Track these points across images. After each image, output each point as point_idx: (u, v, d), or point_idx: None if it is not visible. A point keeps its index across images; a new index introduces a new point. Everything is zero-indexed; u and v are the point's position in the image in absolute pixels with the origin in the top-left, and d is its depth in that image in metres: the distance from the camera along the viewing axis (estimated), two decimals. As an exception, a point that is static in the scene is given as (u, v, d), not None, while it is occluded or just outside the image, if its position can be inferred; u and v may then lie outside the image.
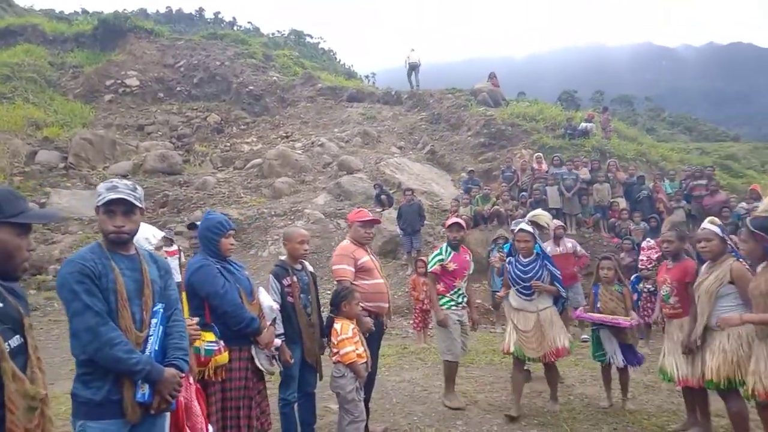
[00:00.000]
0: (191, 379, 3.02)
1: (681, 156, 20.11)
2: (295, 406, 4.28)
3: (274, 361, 3.74)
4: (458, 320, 5.44)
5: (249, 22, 62.29)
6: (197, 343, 3.19)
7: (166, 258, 3.23)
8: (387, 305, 4.71)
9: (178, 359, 2.54)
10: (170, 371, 2.46)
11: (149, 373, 2.37)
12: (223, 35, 29.09)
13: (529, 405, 5.44)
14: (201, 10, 55.92)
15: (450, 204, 13.30)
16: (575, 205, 12.41)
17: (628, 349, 5.25)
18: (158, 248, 3.29)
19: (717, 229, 4.09)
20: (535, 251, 5.08)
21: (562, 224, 9.60)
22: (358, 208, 5.36)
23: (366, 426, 4.37)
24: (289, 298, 4.14)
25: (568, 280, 8.65)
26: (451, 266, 5.40)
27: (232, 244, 3.67)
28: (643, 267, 8.19)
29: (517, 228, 5.25)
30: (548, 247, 8.39)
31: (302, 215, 14.07)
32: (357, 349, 4.02)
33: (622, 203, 12.32)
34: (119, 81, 22.64)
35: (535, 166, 13.76)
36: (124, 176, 15.52)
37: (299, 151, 18.34)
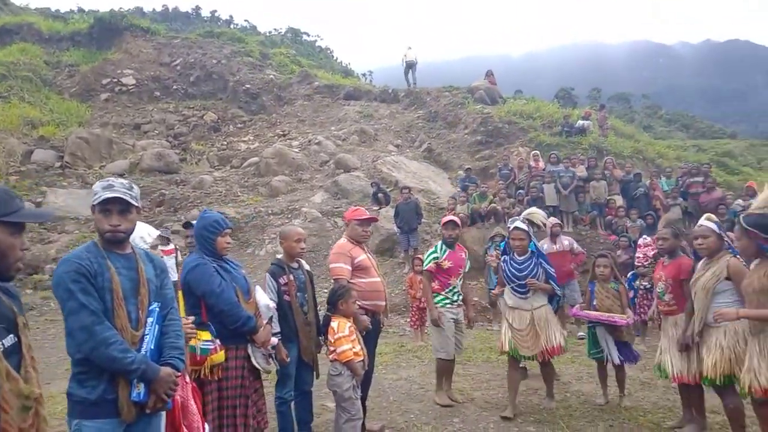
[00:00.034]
0: (187, 378, 3.01)
1: (678, 153, 20.15)
2: (292, 404, 4.29)
3: (270, 359, 3.74)
4: (453, 318, 5.44)
5: (246, 21, 62.11)
6: (193, 342, 3.19)
7: (162, 257, 3.23)
8: (384, 303, 4.71)
9: (173, 358, 2.54)
10: (166, 370, 2.45)
11: (144, 373, 2.37)
12: (220, 33, 29.02)
13: (526, 402, 5.46)
14: (197, 8, 55.70)
15: (447, 202, 13.30)
16: (572, 202, 12.43)
17: (624, 346, 5.26)
18: (154, 247, 3.29)
19: (714, 226, 4.11)
20: (530, 249, 5.08)
21: (559, 222, 9.63)
22: (355, 206, 5.36)
23: (363, 424, 4.37)
24: (286, 297, 4.14)
25: (565, 278, 8.70)
26: (446, 264, 5.41)
27: (228, 243, 3.66)
28: (640, 264, 8.21)
29: (512, 226, 5.26)
30: (545, 244, 8.42)
31: (299, 214, 14.06)
32: (354, 347, 4.02)
33: (619, 200, 12.33)
34: (115, 80, 22.57)
35: (532, 163, 13.77)
36: (121, 175, 15.48)
37: (296, 150, 18.32)
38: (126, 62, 23.52)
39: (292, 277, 4.22)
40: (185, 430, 2.86)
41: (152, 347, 2.47)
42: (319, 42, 47.96)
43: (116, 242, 2.51)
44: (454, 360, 5.69)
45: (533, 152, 14.60)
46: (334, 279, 4.52)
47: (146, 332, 2.48)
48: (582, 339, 7.47)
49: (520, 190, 12.84)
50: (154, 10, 49.17)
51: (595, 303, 5.37)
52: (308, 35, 48.40)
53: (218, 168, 18.42)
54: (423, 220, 12.48)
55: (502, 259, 5.30)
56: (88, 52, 24.57)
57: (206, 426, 3.06)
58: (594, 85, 61.24)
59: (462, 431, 4.77)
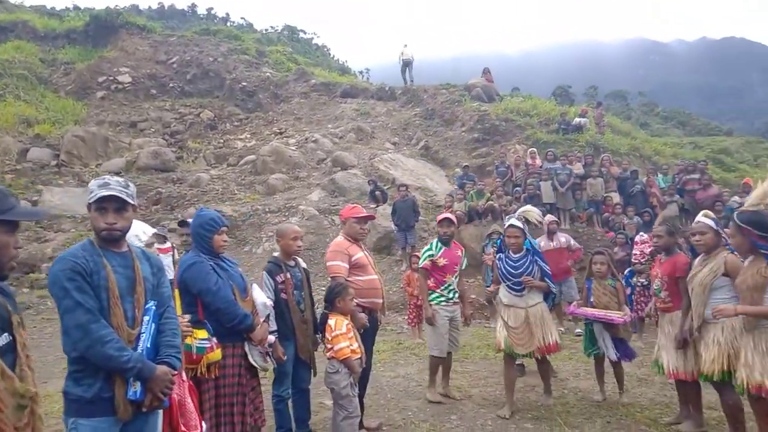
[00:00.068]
0: (184, 376, 3.01)
1: (674, 150, 20.19)
2: (290, 402, 4.29)
3: (267, 357, 3.74)
4: (449, 316, 5.44)
5: (242, 18, 62.01)
6: (188, 341, 3.18)
7: (158, 255, 3.22)
8: (381, 301, 4.72)
9: (170, 357, 2.53)
10: (162, 369, 2.44)
11: (140, 371, 2.36)
12: (216, 31, 28.97)
13: (523, 399, 5.47)
14: (194, 6, 55.65)
15: (444, 199, 13.30)
16: (569, 200, 12.45)
17: (621, 343, 5.27)
18: (149, 245, 3.27)
19: (711, 223, 4.12)
20: (525, 247, 5.08)
21: (556, 219, 9.64)
22: (352, 204, 5.35)
23: (361, 421, 4.38)
24: (283, 295, 4.14)
25: (562, 275, 8.68)
26: (441, 262, 5.40)
27: (225, 241, 3.65)
28: (636, 261, 8.23)
29: (507, 224, 5.25)
30: (542, 242, 8.43)
31: (296, 212, 14.05)
32: (351, 344, 4.02)
33: (616, 198, 12.35)
34: (111, 78, 22.51)
35: (529, 161, 13.78)
36: (117, 173, 15.42)
37: (293, 148, 18.29)
38: (122, 60, 23.45)
39: (289, 275, 4.21)
40: (183, 428, 2.86)
41: (148, 345, 2.46)
42: (316, 40, 47.95)
43: (112, 240, 2.50)
44: (451, 357, 5.70)
45: (530, 150, 14.62)
46: (331, 277, 4.52)
47: (142, 330, 2.47)
48: (579, 336, 7.48)
49: (517, 188, 12.84)
50: (150, 7, 49.08)
51: (592, 300, 5.37)
52: (305, 33, 48.36)
53: (215, 166, 18.39)
54: (420, 217, 12.48)
55: (498, 256, 5.30)
56: (84, 50, 24.49)
57: (203, 424, 3.06)
58: (591, 82, 61.28)
59: (459, 428, 4.77)
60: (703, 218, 4.19)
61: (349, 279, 4.39)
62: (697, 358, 4.25)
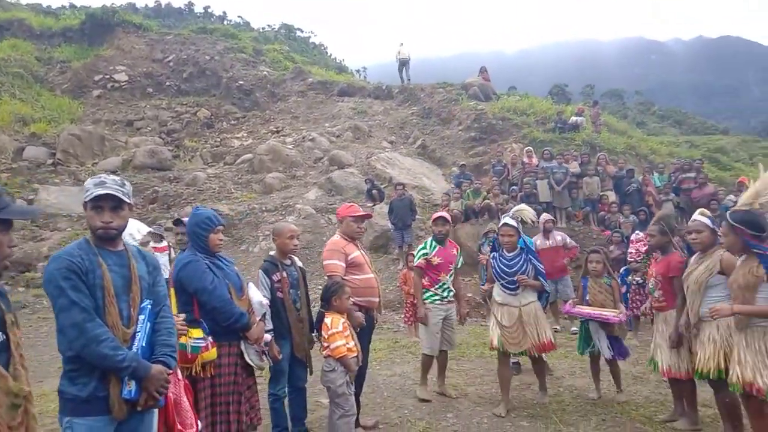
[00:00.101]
0: (180, 375, 3.01)
1: (670, 149, 20.24)
2: (286, 401, 4.30)
3: (263, 356, 3.74)
4: (443, 315, 5.44)
5: (239, 17, 61.88)
6: (183, 340, 3.18)
7: (153, 253, 3.22)
8: (378, 300, 4.72)
9: (165, 356, 2.53)
10: (157, 368, 2.44)
11: (135, 370, 2.36)
12: (213, 30, 28.90)
13: (519, 397, 5.49)
14: (190, 4, 55.39)
15: (441, 198, 13.31)
16: (565, 198, 12.48)
17: (615, 341, 5.29)
18: (144, 244, 3.27)
19: (707, 221, 4.14)
20: (519, 246, 5.08)
21: (552, 218, 9.65)
22: (349, 203, 5.36)
23: (357, 420, 4.39)
24: (279, 294, 4.14)
25: (559, 273, 8.74)
26: (436, 260, 5.41)
27: (221, 240, 3.65)
28: (632, 260, 8.25)
29: (501, 223, 5.26)
30: (538, 240, 8.45)
31: (293, 210, 14.04)
32: (347, 343, 4.03)
33: (612, 196, 12.39)
34: (108, 76, 22.45)
35: (526, 160, 13.80)
36: (113, 172, 15.39)
37: (290, 146, 18.28)
38: (118, 58, 23.39)
39: (285, 274, 4.22)
40: (179, 426, 2.87)
41: (144, 345, 2.46)
42: (313, 38, 47.85)
43: (108, 239, 2.50)
44: (447, 355, 5.71)
45: (526, 148, 14.64)
46: (327, 276, 4.52)
47: (138, 330, 2.47)
48: (575, 334, 7.50)
49: (514, 187, 12.87)
50: (146, 6, 48.86)
51: (587, 298, 5.40)
52: (302, 31, 48.28)
53: (211, 165, 18.36)
54: (417, 216, 12.49)
55: (492, 255, 5.30)
56: (80, 49, 24.42)
57: (198, 423, 3.06)
58: (587, 81, 61.44)
59: (455, 426, 4.79)
60: (700, 217, 4.22)
61: (345, 278, 4.39)
62: (691, 357, 4.27)
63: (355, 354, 4.09)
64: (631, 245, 8.56)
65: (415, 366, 6.72)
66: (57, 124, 18.67)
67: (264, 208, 14.39)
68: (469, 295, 10.15)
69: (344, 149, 17.77)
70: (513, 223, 5.10)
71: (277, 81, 23.64)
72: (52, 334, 2.54)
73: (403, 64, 22.83)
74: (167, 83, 22.99)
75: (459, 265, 5.64)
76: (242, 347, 3.58)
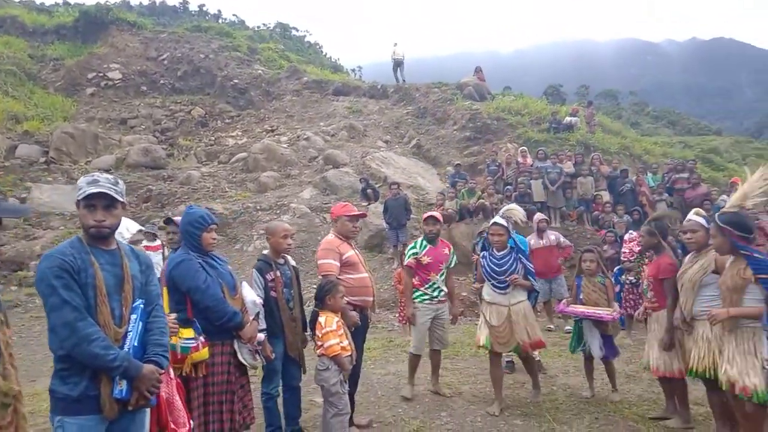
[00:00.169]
0: (172, 374, 3.00)
1: (664, 150, 20.34)
2: (279, 400, 4.29)
3: (257, 355, 3.73)
4: (432, 315, 5.44)
5: (234, 15, 61.51)
6: (173, 340, 3.15)
7: (145, 252, 3.20)
8: (372, 299, 4.72)
9: (157, 355, 2.52)
10: (149, 367, 2.44)
11: (127, 370, 2.35)
12: (208, 28, 28.80)
13: (513, 396, 5.50)
14: (185, 2, 55.11)
15: (436, 198, 13.33)
16: (559, 198, 12.52)
17: (607, 340, 5.31)
18: (134, 242, 3.25)
19: (702, 221, 4.16)
20: (509, 245, 5.08)
21: (545, 217, 9.68)
22: (343, 202, 5.35)
23: (351, 419, 4.39)
24: (272, 293, 4.14)
25: (553, 273, 8.78)
26: (425, 260, 5.40)
27: (214, 239, 3.64)
28: (626, 259, 8.30)
29: (491, 222, 5.26)
30: (531, 240, 8.47)
31: (288, 209, 14.02)
32: (341, 342, 4.03)
33: (606, 196, 12.44)
34: (101, 74, 22.33)
35: (520, 159, 13.84)
36: (107, 170, 15.33)
37: (285, 145, 18.24)
38: (112, 56, 23.27)
39: (278, 273, 4.21)
40: (172, 425, 2.86)
41: (135, 344, 2.45)
42: (308, 37, 47.77)
43: (101, 238, 2.49)
44: (440, 354, 5.70)
45: (521, 148, 14.67)
46: (322, 275, 4.52)
47: (129, 329, 2.46)
48: (569, 333, 7.52)
49: (508, 186, 12.89)
50: (140, 3, 48.62)
51: (581, 297, 5.41)
52: (297, 30, 48.21)
53: (206, 163, 18.30)
54: (412, 215, 12.49)
55: (482, 254, 5.31)
56: (74, 46, 24.28)
57: (190, 421, 3.05)
58: (582, 82, 61.56)
59: (449, 425, 4.79)
60: (695, 217, 4.25)
61: (340, 277, 4.39)
62: (682, 355, 4.30)
63: (349, 353, 4.09)
64: (624, 245, 8.60)
65: (410, 365, 6.74)
66: (50, 122, 18.56)
67: (258, 207, 14.35)
68: (464, 294, 10.18)
69: (339, 148, 17.75)
70: (503, 222, 5.10)
71: (272, 80, 23.59)
72: (44, 333, 2.52)
73: (398, 64, 22.86)
74: (161, 81, 22.89)
75: (452, 265, 5.63)
76: (235, 346, 3.57)
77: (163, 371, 2.55)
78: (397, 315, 9.27)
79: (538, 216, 9.38)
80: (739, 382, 3.47)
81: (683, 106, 77.29)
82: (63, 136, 17.04)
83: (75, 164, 16.57)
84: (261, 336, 3.77)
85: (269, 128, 20.39)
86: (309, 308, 4.51)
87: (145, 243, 7.05)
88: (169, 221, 5.24)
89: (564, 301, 5.92)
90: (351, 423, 4.41)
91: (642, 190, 12.45)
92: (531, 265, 5.12)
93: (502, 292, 5.03)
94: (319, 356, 4.07)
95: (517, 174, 13.15)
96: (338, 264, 4.46)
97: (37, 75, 22.17)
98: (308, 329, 4.37)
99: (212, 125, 21.14)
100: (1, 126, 17.29)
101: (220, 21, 46.15)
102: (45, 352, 6.60)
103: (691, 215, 4.30)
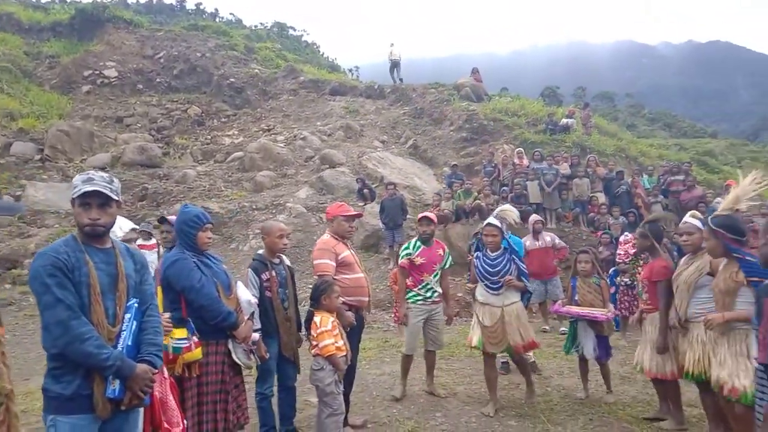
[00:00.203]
0: (166, 373, 2.99)
1: (660, 152, 20.40)
2: (274, 400, 4.28)
3: (251, 355, 3.72)
4: (424, 315, 5.43)
5: (231, 14, 61.45)
6: (165, 341, 3.14)
7: (140, 251, 3.19)
8: (367, 299, 4.71)
9: (151, 355, 2.51)
10: (142, 367, 2.42)
11: (120, 369, 2.33)
12: (205, 27, 28.74)
13: (508, 397, 5.51)
14: (182, 0, 55.05)
15: (432, 198, 13.33)
16: (555, 199, 12.53)
17: (601, 341, 5.32)
18: (127, 241, 3.23)
19: (698, 223, 4.17)
20: (502, 246, 5.08)
21: (541, 219, 9.70)
22: (340, 202, 5.35)
23: (345, 419, 4.38)
24: (267, 293, 4.13)
25: (548, 274, 8.80)
26: (418, 260, 5.39)
27: (209, 238, 3.62)
28: (621, 261, 8.32)
29: (485, 222, 5.27)
30: (527, 241, 8.48)
31: (284, 209, 14.00)
32: (336, 341, 4.02)
33: (602, 198, 12.46)
34: (97, 72, 22.24)
35: (516, 161, 13.85)
36: (102, 169, 15.26)
37: (281, 145, 18.22)
38: (108, 54, 23.17)
39: (274, 273, 4.21)
40: (165, 425, 2.84)
41: (129, 343, 2.44)
42: (306, 37, 47.79)
43: (95, 236, 2.47)
44: (434, 355, 5.70)
45: (517, 150, 14.69)
46: (318, 275, 4.51)
47: (123, 328, 2.45)
48: (564, 334, 7.54)
49: (505, 187, 12.90)
50: (137, 1, 48.54)
51: (576, 298, 5.43)
52: (294, 30, 48.22)
53: (202, 162, 18.26)
54: (408, 216, 12.49)
55: (475, 255, 5.31)
56: (70, 44, 24.19)
57: (184, 421, 3.04)
58: (579, 83, 61.79)
59: (444, 425, 4.80)
60: (691, 219, 4.26)
61: (335, 277, 4.38)
62: (676, 358, 4.32)
63: (344, 353, 4.08)
64: (619, 246, 8.63)
65: (405, 365, 6.74)
66: (45, 119, 18.48)
67: (254, 207, 14.33)
68: (459, 295, 10.18)
69: (336, 148, 17.74)
70: (497, 223, 5.09)
71: (269, 79, 23.55)
72: (38, 331, 2.51)
73: (395, 65, 22.86)
74: (158, 80, 22.82)
75: (447, 266, 5.61)
76: (230, 346, 3.55)
77: (156, 371, 2.54)
78: (392, 315, 9.27)
79: (534, 217, 9.39)
80: (728, 383, 3.49)
81: (679, 109, 77.60)
82: (58, 133, 16.97)
83: (70, 162, 16.51)
84: (256, 336, 3.76)
85: (266, 127, 20.37)
86: (305, 308, 4.50)
87: (140, 242, 7.05)
88: (163, 220, 5.22)
89: (559, 301, 5.93)
90: (345, 423, 4.40)
91: (637, 192, 12.48)
92: (524, 266, 5.12)
93: (495, 293, 5.03)
94: (314, 356, 4.06)
95: (513, 175, 13.16)
96: (334, 264, 4.45)
97: (33, 72, 22.08)
98: (303, 329, 4.36)
99: (208, 124, 21.10)
100: (-4, 123, 17.22)
101: (217, 20, 46.07)
102: (39, 351, 6.57)
103: (687, 218, 4.31)
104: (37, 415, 4.03)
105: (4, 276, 11.30)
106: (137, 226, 6.58)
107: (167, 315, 3.18)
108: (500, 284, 4.98)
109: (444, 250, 5.60)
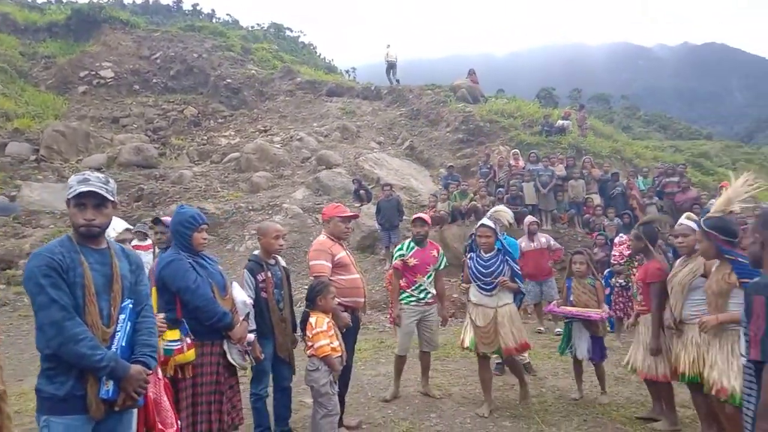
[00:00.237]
0: (160, 374, 2.99)
1: (655, 154, 20.48)
2: (268, 400, 4.28)
3: (246, 356, 3.72)
4: (417, 317, 5.43)
5: (228, 15, 61.45)
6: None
7: (135, 251, 3.19)
8: (363, 300, 4.72)
9: (145, 356, 2.51)
10: (136, 368, 2.42)
11: (113, 370, 2.33)
12: (201, 27, 28.71)
13: (502, 397, 5.52)
14: (179, 1, 54.96)
15: (428, 199, 13.35)
16: (550, 201, 12.57)
17: (596, 342, 5.34)
18: (121, 241, 3.23)
19: (693, 225, 4.20)
20: (496, 247, 5.09)
21: (536, 220, 9.73)
22: (336, 203, 5.35)
23: (341, 419, 4.39)
24: (263, 294, 4.13)
25: (543, 275, 8.82)
26: (412, 261, 5.39)
27: (204, 239, 3.62)
28: (616, 262, 8.35)
29: (479, 223, 5.28)
30: (522, 242, 8.50)
31: (280, 210, 14.00)
32: (332, 342, 4.03)
33: (597, 199, 12.49)
34: (93, 72, 22.20)
35: (512, 162, 13.87)
36: (98, 169, 15.23)
37: (278, 146, 18.21)
38: (104, 55, 23.13)
39: (269, 274, 4.21)
40: (160, 426, 2.85)
41: (123, 344, 2.44)
42: (302, 38, 47.84)
43: (91, 237, 2.47)
44: (429, 356, 5.70)
45: (513, 151, 14.72)
46: (314, 276, 4.51)
47: (118, 329, 2.45)
48: (559, 335, 7.56)
49: (500, 189, 12.93)
50: (134, 2, 48.45)
51: (571, 299, 5.44)
52: (291, 31, 48.23)
53: (198, 163, 18.23)
54: (404, 217, 12.50)
55: (469, 256, 5.31)
56: (66, 44, 24.13)
57: (179, 422, 3.04)
58: (575, 85, 61.95)
59: (439, 426, 4.81)
60: (686, 221, 4.29)
61: (331, 278, 4.39)
62: (669, 359, 4.34)
63: (339, 354, 4.09)
64: (614, 248, 8.65)
65: (400, 366, 6.74)
66: (41, 120, 18.43)
67: (250, 207, 14.32)
68: (454, 296, 10.20)
69: (332, 149, 17.74)
70: (490, 224, 5.09)
71: (266, 80, 23.54)
72: (32, 332, 2.51)
73: (391, 66, 22.91)
74: (154, 80, 22.79)
75: (442, 267, 5.61)
76: (225, 347, 3.55)
77: (150, 372, 2.53)
78: (388, 316, 9.28)
79: (529, 219, 9.42)
80: (717, 383, 3.51)
81: (674, 111, 77.90)
82: (54, 134, 16.92)
83: (66, 163, 16.47)
84: (251, 336, 3.76)
85: (262, 128, 20.35)
86: (301, 309, 4.51)
87: (135, 242, 7.03)
88: (157, 221, 5.22)
89: (554, 302, 5.95)
90: (340, 424, 4.41)
91: (632, 193, 12.52)
92: (518, 267, 5.13)
93: (489, 293, 5.03)
94: (309, 357, 4.07)
95: (509, 176, 13.19)
96: (330, 265, 4.46)
97: (29, 73, 22.02)
98: (298, 330, 4.37)
99: (205, 125, 21.07)
100: (-9, 123, 17.16)
101: (213, 20, 46.05)
102: (33, 351, 6.54)
103: (683, 219, 4.34)
104: (31, 416, 4.02)
105: (-2, 277, 11.26)
106: (131, 227, 6.57)
107: (162, 316, 3.18)
108: (493, 285, 4.99)
109: (438, 252, 5.60)
